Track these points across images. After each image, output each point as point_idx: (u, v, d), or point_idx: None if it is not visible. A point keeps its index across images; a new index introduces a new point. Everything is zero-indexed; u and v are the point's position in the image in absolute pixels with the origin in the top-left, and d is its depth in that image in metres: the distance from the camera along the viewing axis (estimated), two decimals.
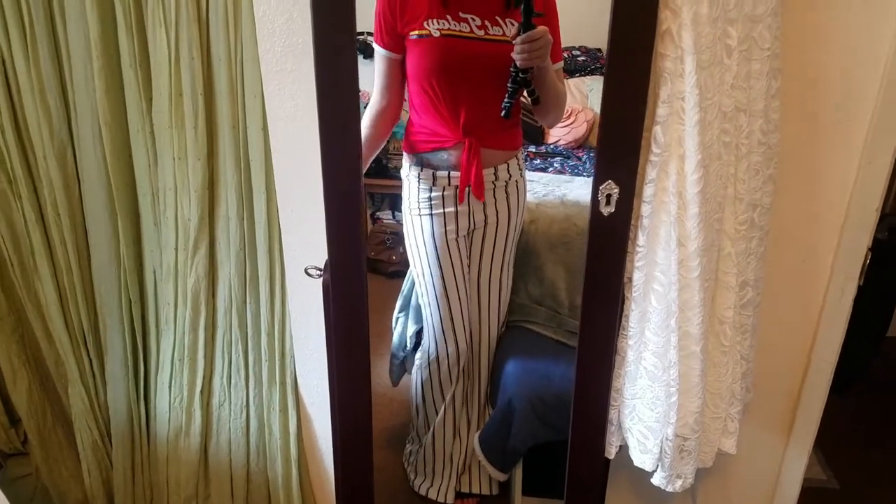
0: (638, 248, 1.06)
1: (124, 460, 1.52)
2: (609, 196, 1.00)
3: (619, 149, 0.96)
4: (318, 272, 1.20)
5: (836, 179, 1.12)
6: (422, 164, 1.45)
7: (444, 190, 1.45)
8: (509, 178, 1.48)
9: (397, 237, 2.19)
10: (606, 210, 1.01)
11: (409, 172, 1.50)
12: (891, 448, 2.26)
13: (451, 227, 1.48)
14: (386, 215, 2.02)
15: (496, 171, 1.45)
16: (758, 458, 1.36)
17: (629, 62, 0.91)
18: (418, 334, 1.74)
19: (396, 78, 1.41)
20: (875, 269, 1.41)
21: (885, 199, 1.25)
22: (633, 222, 1.04)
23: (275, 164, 1.26)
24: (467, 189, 1.43)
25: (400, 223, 1.71)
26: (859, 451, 2.21)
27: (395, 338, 1.83)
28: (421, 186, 1.47)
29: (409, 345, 1.77)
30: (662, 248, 1.04)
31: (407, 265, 1.66)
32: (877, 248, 1.33)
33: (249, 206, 1.32)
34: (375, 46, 1.38)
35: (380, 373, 1.91)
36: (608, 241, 1.03)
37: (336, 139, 1.00)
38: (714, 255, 1.07)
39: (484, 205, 1.48)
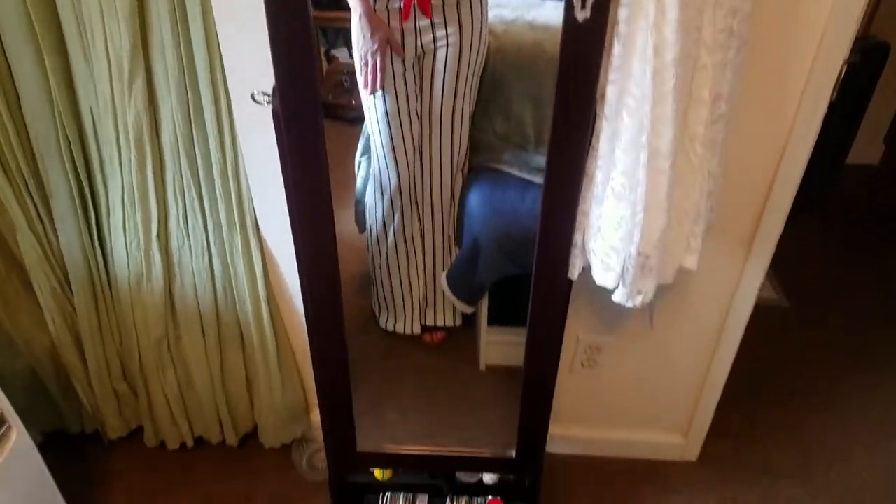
0: (613, 59, 1.00)
1: (87, 305, 1.50)
2: None
3: None
4: (267, 98, 1.11)
5: None
6: None
7: (387, 3, 1.33)
8: None
9: (356, 79, 2.06)
10: (581, 15, 0.93)
11: None
12: (839, 271, 2.41)
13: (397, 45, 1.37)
14: (342, 53, 1.86)
15: None
16: (715, 276, 1.41)
17: None
18: None
19: None
20: (842, 93, 1.39)
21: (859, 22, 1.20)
22: (609, 30, 0.97)
23: None
24: (413, 5, 1.31)
25: None
26: (810, 274, 2.35)
27: (359, 182, 1.77)
28: None
29: (370, 194, 1.73)
30: (638, 58, 0.98)
31: None
32: (848, 71, 1.30)
33: (185, 31, 1.19)
34: None
35: (346, 222, 1.89)
36: (582, 50, 0.96)
37: None
38: (689, 66, 1.02)
39: (432, 24, 1.36)
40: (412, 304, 1.74)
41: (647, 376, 1.62)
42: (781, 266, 2.27)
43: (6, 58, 1.24)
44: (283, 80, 0.99)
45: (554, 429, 1.54)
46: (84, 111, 1.31)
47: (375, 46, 1.32)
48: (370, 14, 1.30)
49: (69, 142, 1.32)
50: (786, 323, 2.15)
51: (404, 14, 1.32)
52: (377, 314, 1.80)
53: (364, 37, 1.32)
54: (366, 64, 1.36)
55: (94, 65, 1.25)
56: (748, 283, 1.40)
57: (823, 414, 1.95)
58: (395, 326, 1.75)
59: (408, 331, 1.74)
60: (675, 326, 1.51)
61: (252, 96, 1.10)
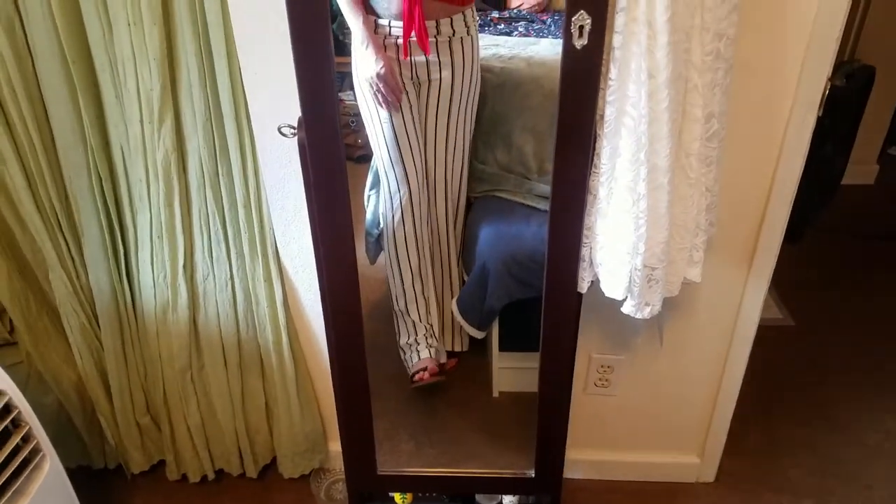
0: (610, 83, 1.07)
1: (114, 340, 1.55)
2: (581, 28, 1.00)
3: None
4: (292, 130, 1.19)
5: (798, 6, 1.14)
6: (364, 8, 1.41)
7: (384, 39, 1.43)
8: (453, 35, 1.45)
9: (361, 119, 2.15)
10: (579, 43, 1.01)
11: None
12: (842, 290, 2.45)
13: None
14: (348, 96, 1.96)
15: (438, 25, 1.42)
16: (720, 292, 1.45)
17: None
18: None
19: None
20: (833, 117, 1.46)
21: (844, 45, 1.28)
22: (604, 56, 1.05)
23: (233, 22, 1.22)
24: (410, 43, 1.40)
25: None
26: (813, 293, 2.39)
27: (369, 215, 1.84)
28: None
29: (381, 221, 1.79)
30: (633, 81, 1.06)
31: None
32: (835, 94, 1.37)
33: (211, 71, 1.28)
34: None
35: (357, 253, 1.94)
36: (581, 76, 1.04)
37: None
38: (681, 87, 1.10)
39: (427, 61, 1.46)
40: (430, 337, 1.76)
41: (660, 395, 1.65)
42: (785, 286, 2.32)
43: (42, 98, 1.33)
44: (309, 113, 1.08)
45: (571, 453, 1.56)
46: (115, 150, 1.39)
47: (381, 65, 1.41)
48: (375, 41, 1.40)
49: (101, 179, 1.40)
50: (794, 341, 2.18)
51: (404, 52, 1.42)
52: (407, 365, 1.79)
53: (373, 60, 1.41)
54: (379, 84, 1.44)
55: (125, 105, 1.34)
56: (752, 297, 1.45)
57: (839, 432, 1.95)
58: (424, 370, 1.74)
59: (431, 363, 1.74)
60: (684, 343, 1.55)
61: (279, 129, 1.19)
